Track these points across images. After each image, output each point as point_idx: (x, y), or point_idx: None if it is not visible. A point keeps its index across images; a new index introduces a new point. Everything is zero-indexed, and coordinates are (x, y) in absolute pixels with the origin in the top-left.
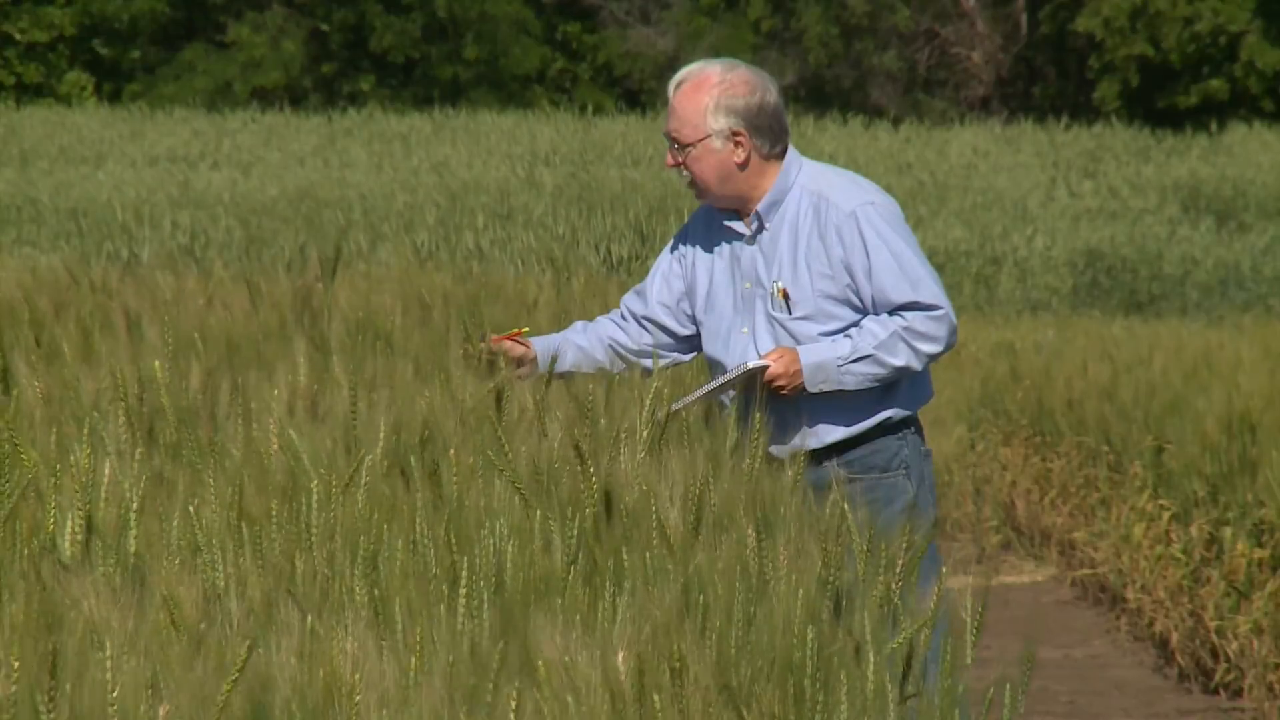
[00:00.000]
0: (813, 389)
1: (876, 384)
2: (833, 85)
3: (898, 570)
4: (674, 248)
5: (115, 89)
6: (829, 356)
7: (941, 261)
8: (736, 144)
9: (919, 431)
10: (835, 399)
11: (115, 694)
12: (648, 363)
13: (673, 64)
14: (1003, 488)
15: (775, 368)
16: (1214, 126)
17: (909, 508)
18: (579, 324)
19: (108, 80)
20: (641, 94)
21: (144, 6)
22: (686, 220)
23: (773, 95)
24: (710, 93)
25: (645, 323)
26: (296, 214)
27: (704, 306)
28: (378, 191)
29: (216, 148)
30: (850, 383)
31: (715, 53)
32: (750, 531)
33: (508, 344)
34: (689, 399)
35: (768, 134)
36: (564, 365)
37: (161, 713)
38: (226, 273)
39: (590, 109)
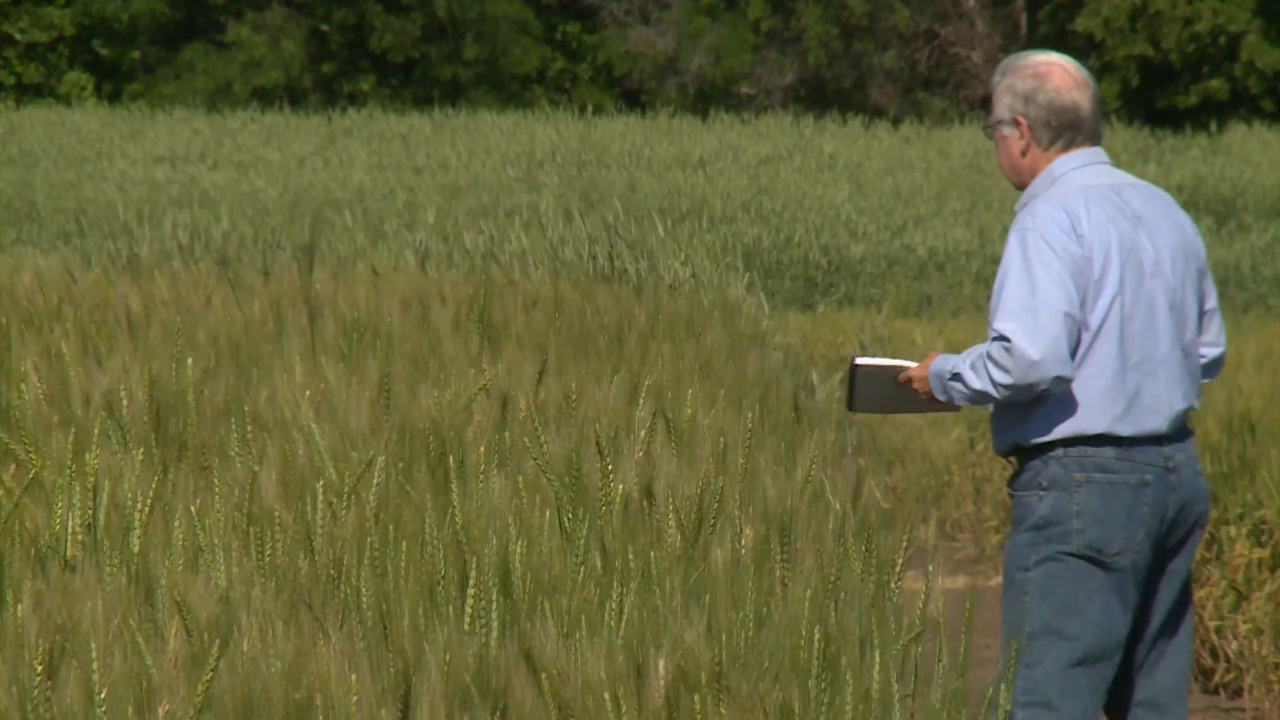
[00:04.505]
0: (939, 396)
1: (971, 403)
2: (833, 85)
3: (896, 569)
4: None
5: (115, 89)
6: (944, 368)
7: (941, 261)
8: (1019, 132)
9: (1078, 457)
10: (998, 413)
11: (103, 694)
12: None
13: (672, 64)
14: (1003, 487)
15: (914, 370)
16: (1214, 126)
17: (1034, 527)
18: None
19: (108, 80)
20: (641, 94)
21: (144, 6)
22: None
23: (1065, 92)
24: (1007, 78)
25: None
26: (296, 214)
27: None
28: (378, 191)
29: (216, 148)
30: (956, 397)
31: (715, 53)
32: (749, 531)
33: None
34: (874, 361)
35: (1045, 129)
36: None
37: (161, 712)
38: (222, 273)
39: (590, 109)
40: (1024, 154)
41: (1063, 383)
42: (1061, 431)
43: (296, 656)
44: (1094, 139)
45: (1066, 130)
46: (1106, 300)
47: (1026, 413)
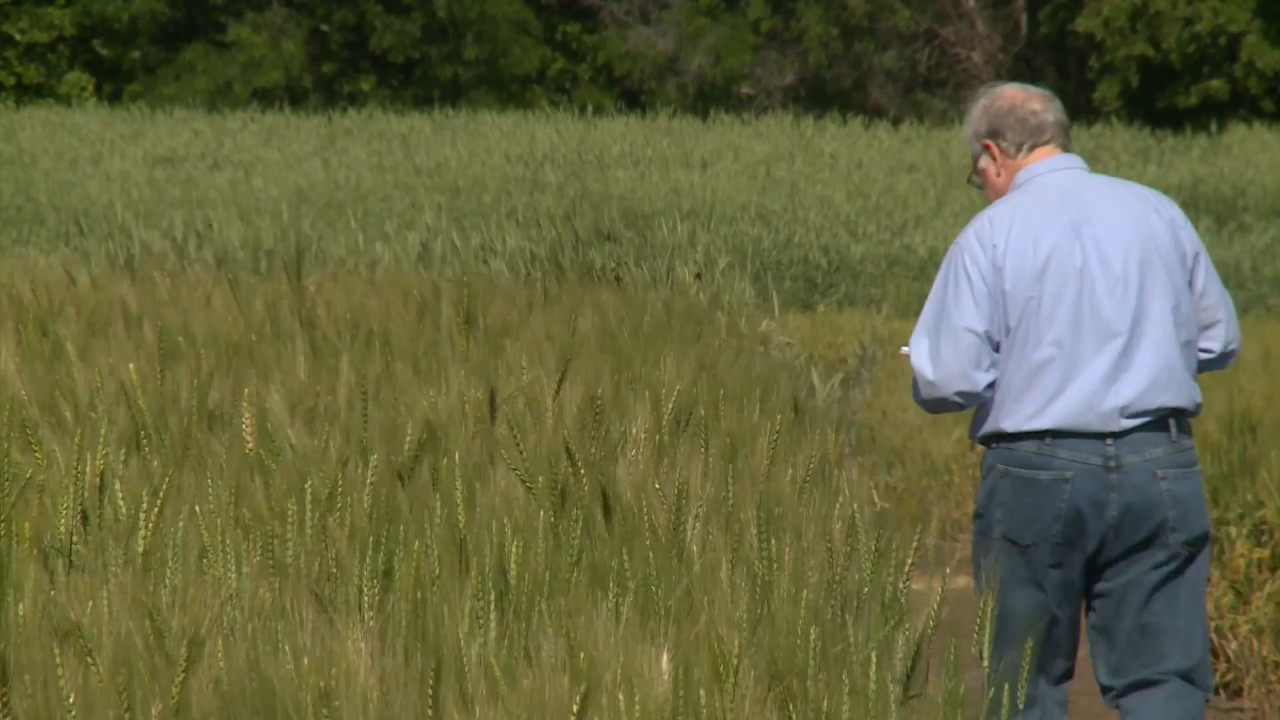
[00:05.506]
0: None
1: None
2: (833, 85)
3: (905, 569)
4: None
5: (115, 89)
6: None
7: (941, 261)
8: (990, 156)
9: (1002, 451)
10: None
11: (72, 700)
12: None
13: (672, 64)
14: None
15: None
16: (1214, 127)
17: (976, 515)
18: None
19: (108, 80)
20: (641, 94)
21: (144, 6)
22: None
23: (1020, 102)
24: (966, 119)
25: None
26: (296, 214)
27: None
28: (378, 191)
29: (216, 148)
30: None
31: (715, 53)
32: (753, 531)
33: None
34: None
35: (1007, 136)
36: None
37: (154, 712)
38: (221, 274)
39: (590, 109)
40: (999, 174)
41: (970, 396)
42: (987, 428)
43: (317, 648)
44: (1061, 145)
45: (1030, 135)
46: (1020, 304)
47: (974, 411)
